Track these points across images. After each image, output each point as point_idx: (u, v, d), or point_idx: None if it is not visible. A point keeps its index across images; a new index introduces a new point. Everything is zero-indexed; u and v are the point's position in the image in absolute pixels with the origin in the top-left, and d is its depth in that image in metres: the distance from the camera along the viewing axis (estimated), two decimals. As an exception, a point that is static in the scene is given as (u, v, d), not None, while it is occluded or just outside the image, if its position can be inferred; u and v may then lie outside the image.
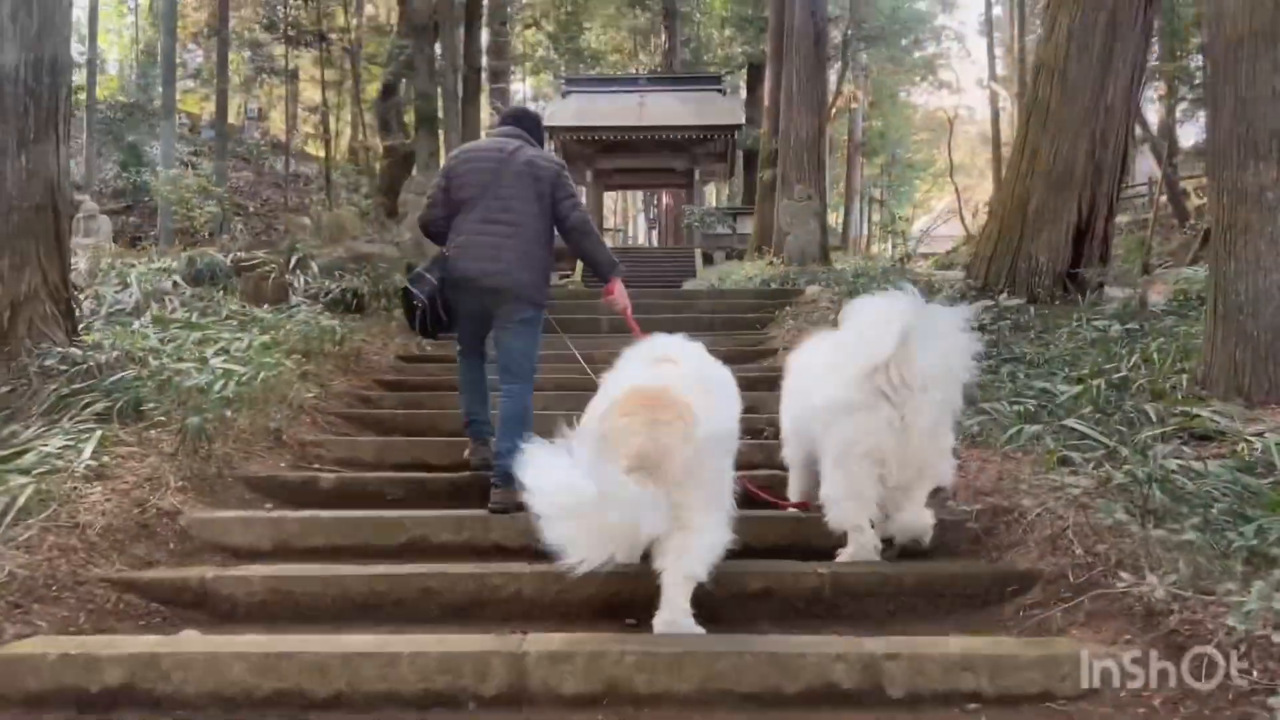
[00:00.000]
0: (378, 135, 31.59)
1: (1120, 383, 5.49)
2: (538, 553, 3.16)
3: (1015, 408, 5.32)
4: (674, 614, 3.14)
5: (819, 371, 3.97)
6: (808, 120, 17.23)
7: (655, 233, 48.31)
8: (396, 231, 14.59)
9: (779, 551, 4.02)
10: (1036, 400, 5.45)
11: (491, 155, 4.60)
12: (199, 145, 34.91)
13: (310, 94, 39.92)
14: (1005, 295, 8.28)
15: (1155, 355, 5.73)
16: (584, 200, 31.20)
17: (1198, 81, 21.31)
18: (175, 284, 9.43)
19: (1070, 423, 4.91)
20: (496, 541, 4.06)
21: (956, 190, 35.77)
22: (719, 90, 32.79)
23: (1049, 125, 8.63)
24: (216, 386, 5.41)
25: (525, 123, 4.86)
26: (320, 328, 7.48)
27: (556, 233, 4.65)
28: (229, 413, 5.09)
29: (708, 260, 27.39)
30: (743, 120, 30.75)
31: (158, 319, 7.80)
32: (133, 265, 9.94)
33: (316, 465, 5.26)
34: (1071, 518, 3.72)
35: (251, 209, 35.11)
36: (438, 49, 21.14)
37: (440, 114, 21.58)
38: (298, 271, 10.08)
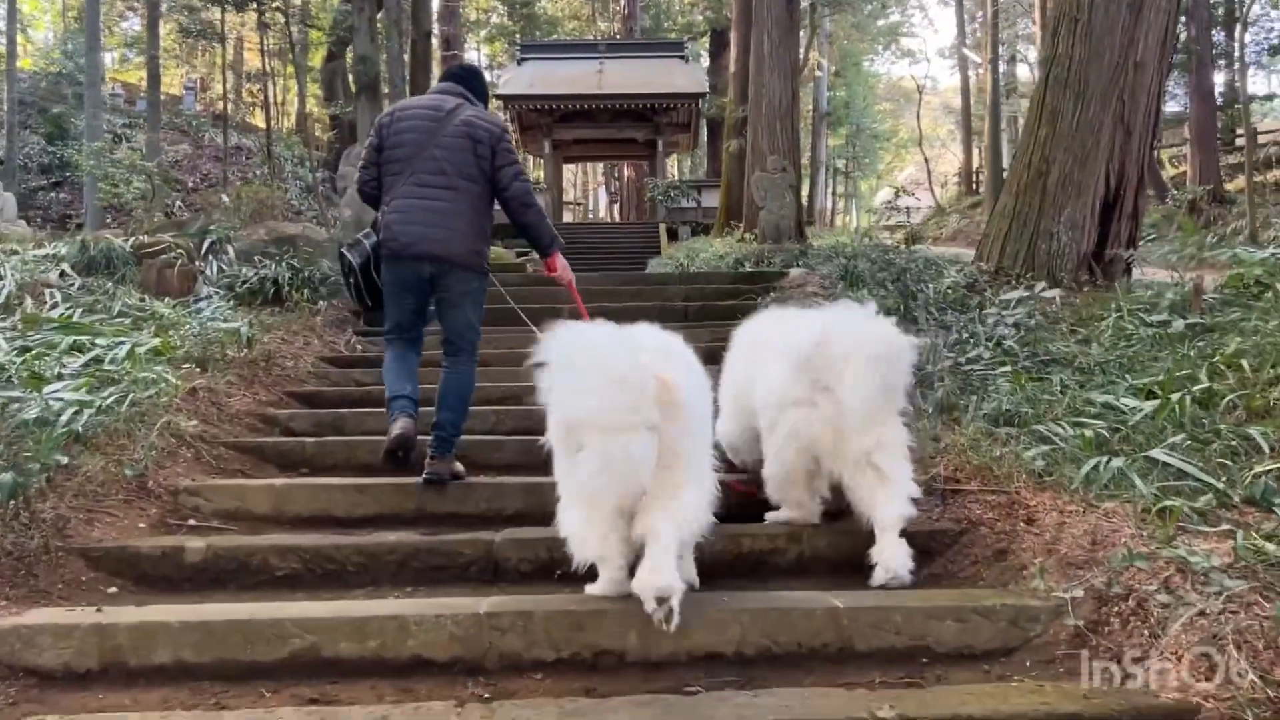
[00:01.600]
0: (323, 105, 30.07)
1: (1204, 397, 4.42)
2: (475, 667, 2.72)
3: (1080, 431, 4.23)
4: (663, 576, 2.83)
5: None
6: (780, 85, 16.03)
7: (617, 207, 46.90)
8: (338, 208, 13.30)
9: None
10: (1102, 419, 4.37)
11: (427, 113, 4.31)
12: (134, 117, 33.02)
13: (255, 63, 38.03)
14: (1026, 281, 7.20)
15: (1241, 361, 4.66)
16: (543, 173, 30.12)
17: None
18: (63, 274, 8.09)
19: (1158, 454, 3.84)
20: (417, 653, 2.88)
21: (926, 160, 34.88)
22: (681, 57, 31.44)
23: (1071, 84, 7.52)
24: (63, 418, 4.18)
25: (467, 81, 4.55)
26: (219, 330, 6.21)
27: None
28: (63, 458, 3.84)
29: (672, 236, 26.21)
30: (707, 88, 29.49)
31: (29, 319, 6.51)
32: (14, 252, 8.57)
33: (191, 522, 4.04)
34: (1229, 623, 2.63)
35: (190, 184, 33.34)
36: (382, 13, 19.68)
37: (387, 82, 20.15)
38: (210, 257, 8.78)
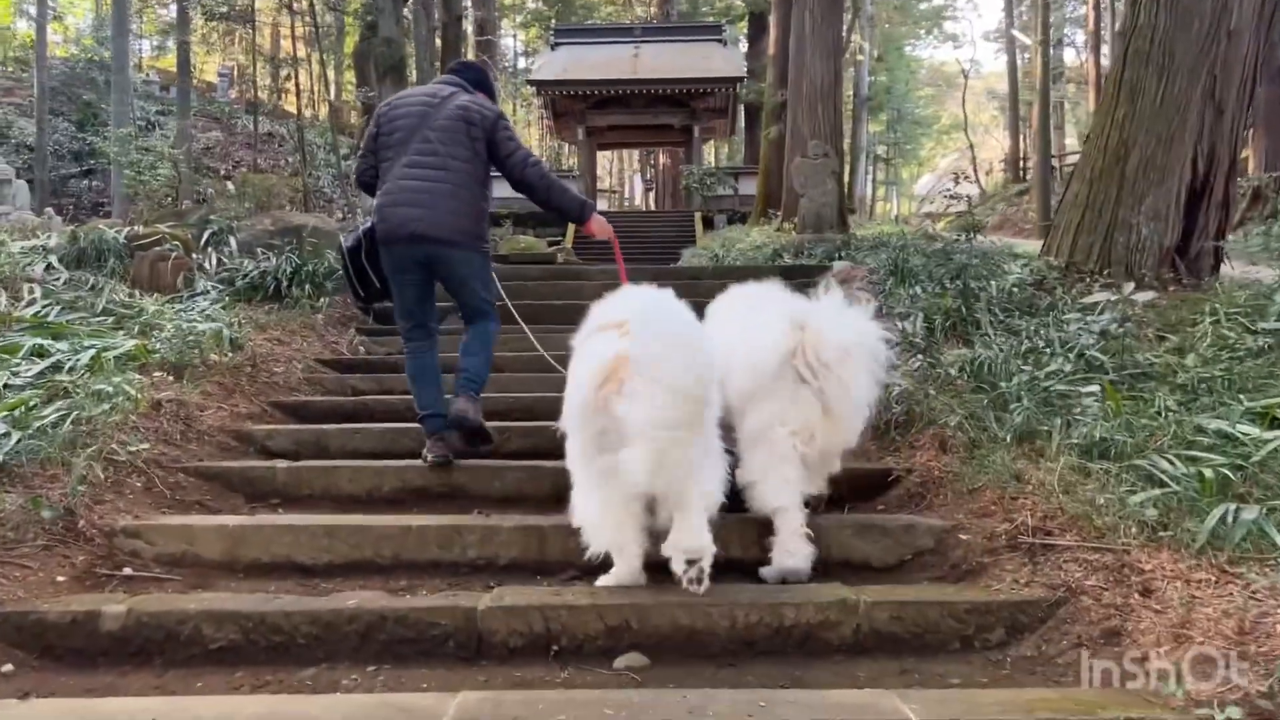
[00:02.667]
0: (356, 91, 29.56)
1: (1346, 426, 3.65)
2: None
3: (1195, 468, 3.46)
4: (696, 538, 2.99)
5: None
6: (822, 67, 15.18)
7: (652, 195, 46.10)
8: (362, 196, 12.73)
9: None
10: (1219, 453, 3.59)
11: (420, 101, 4.34)
12: (167, 104, 32.83)
13: (290, 49, 37.65)
14: (1102, 278, 6.41)
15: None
16: (576, 161, 29.42)
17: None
18: (50, 267, 7.53)
19: (1302, 504, 3.08)
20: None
21: (971, 147, 33.74)
22: (719, 41, 30.49)
23: (1154, 57, 6.68)
24: (-14, 443, 3.57)
25: (466, 74, 4.55)
26: (198, 332, 5.58)
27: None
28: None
29: (708, 224, 25.43)
30: (745, 73, 28.58)
31: (-1, 318, 5.94)
32: (3, 242, 8.03)
33: (127, 571, 3.40)
34: None
35: (223, 171, 33.04)
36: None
37: (416, 68, 19.53)
38: (209, 249, 8.18)
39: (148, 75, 37.16)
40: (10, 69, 34.23)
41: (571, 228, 24.62)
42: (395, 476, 4.23)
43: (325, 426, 4.97)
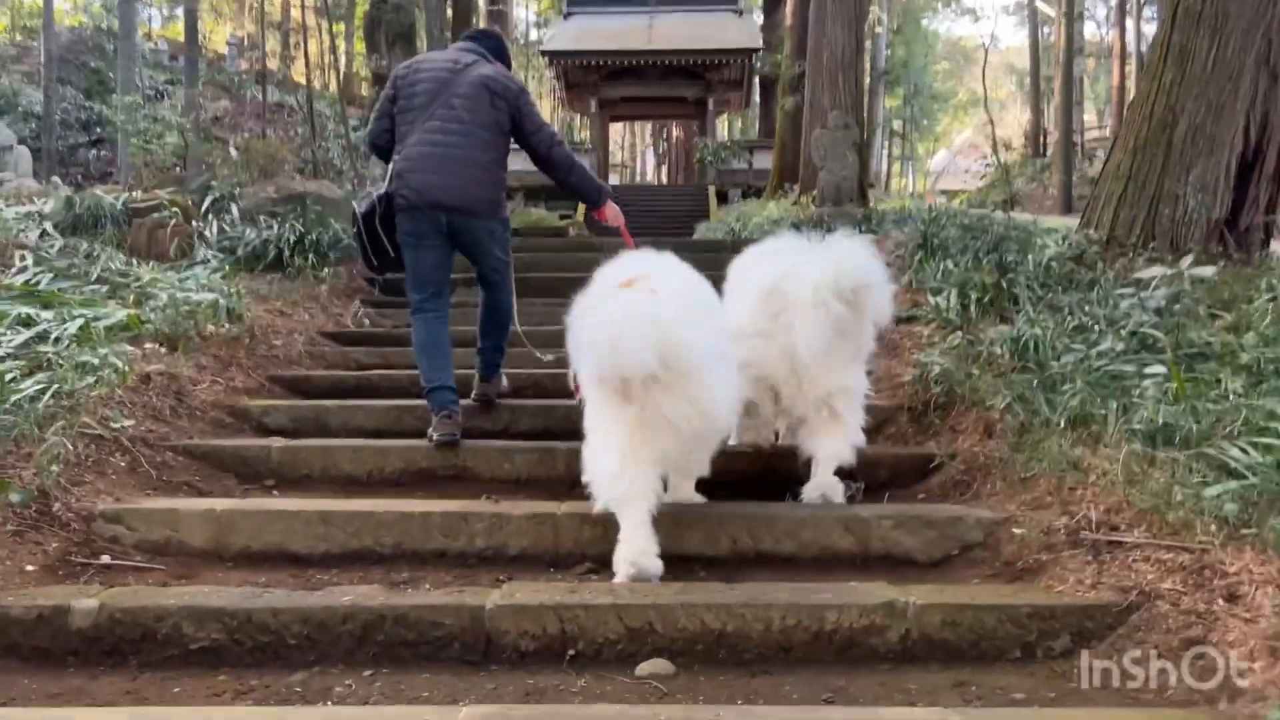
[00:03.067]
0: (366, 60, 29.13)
1: None
2: None
3: (1269, 456, 3.15)
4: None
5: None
6: (844, 35, 14.73)
7: (664, 168, 45.60)
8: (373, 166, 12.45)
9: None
10: (1296, 439, 3.28)
11: (443, 67, 4.22)
12: (176, 74, 32.44)
13: (300, 18, 37.19)
14: (1148, 252, 6.07)
15: None
16: (589, 133, 29.02)
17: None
18: (44, 233, 7.25)
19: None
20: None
21: (991, 122, 33.10)
22: (735, 11, 29.93)
23: (1205, 18, 6.29)
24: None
25: (485, 41, 4.44)
26: (193, 302, 5.29)
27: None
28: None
29: (722, 199, 25.03)
30: (761, 44, 28.05)
31: (-14, 285, 5.67)
32: (-3, 208, 7.76)
33: (105, 559, 3.13)
34: None
35: (231, 142, 32.73)
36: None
37: (426, 35, 19.12)
38: (210, 216, 7.89)
39: (156, 44, 36.82)
40: (20, 38, 33.89)
41: (583, 205, 24.32)
42: (399, 457, 3.95)
43: (325, 402, 4.69)
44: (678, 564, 3.13)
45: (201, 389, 4.58)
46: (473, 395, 4.45)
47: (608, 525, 3.18)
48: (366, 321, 6.75)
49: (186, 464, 3.87)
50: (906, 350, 5.20)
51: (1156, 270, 5.02)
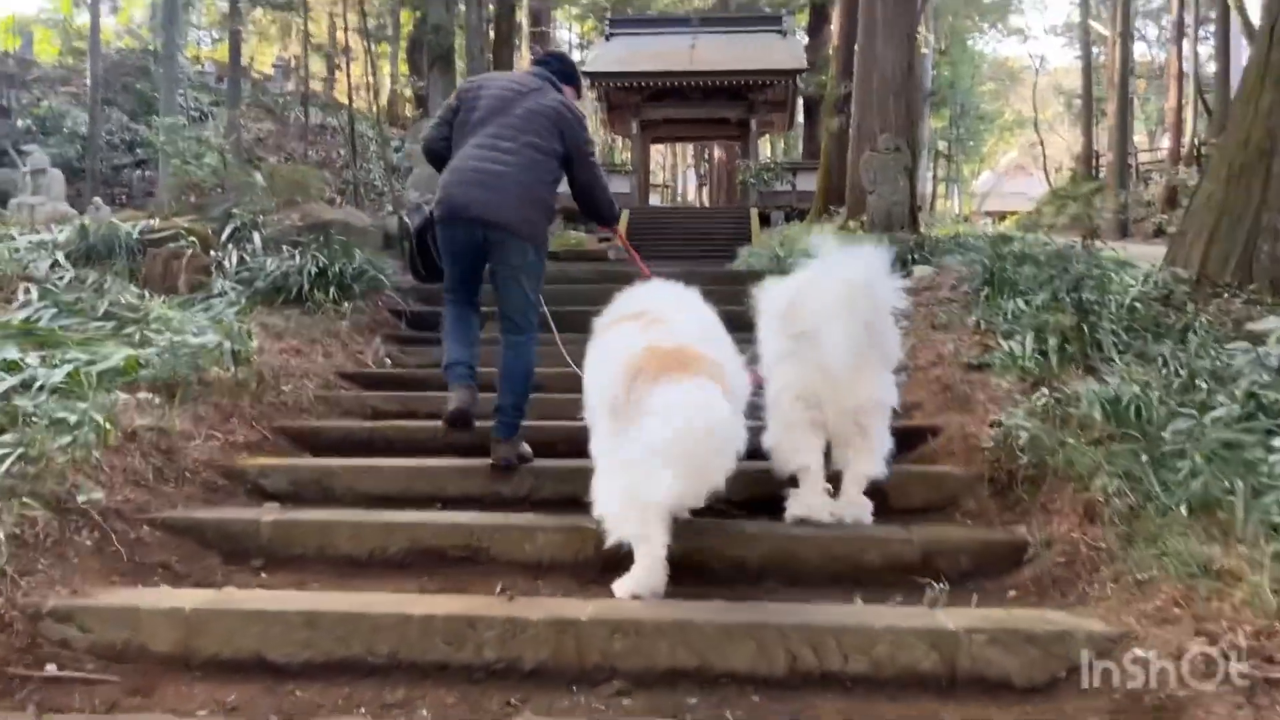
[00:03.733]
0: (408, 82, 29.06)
1: None
2: None
3: None
4: None
5: None
6: (894, 55, 14.17)
7: (706, 189, 45.15)
8: (409, 190, 12.12)
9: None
10: None
11: (508, 87, 4.23)
12: (221, 95, 32.59)
13: (351, 43, 37.33)
14: (1246, 293, 5.46)
15: None
16: (630, 155, 28.66)
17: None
18: (55, 264, 6.90)
19: None
20: None
21: (1042, 143, 32.34)
22: (778, 32, 29.51)
23: (1310, 35, 5.71)
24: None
25: (554, 65, 4.44)
26: (191, 346, 4.86)
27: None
28: None
29: (765, 221, 24.50)
30: (805, 64, 27.55)
31: (-18, 323, 5.29)
32: (10, 236, 7.44)
33: (46, 671, 2.66)
34: None
35: (274, 162, 32.80)
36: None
37: (466, 56, 18.89)
38: (231, 246, 7.51)
39: (204, 66, 37.16)
40: (71, 60, 34.29)
41: (623, 223, 23.94)
42: (404, 535, 3.45)
43: (330, 463, 4.21)
44: (727, 685, 2.62)
45: (195, 446, 4.13)
46: (491, 460, 4.05)
47: (640, 634, 2.67)
48: (388, 361, 6.31)
49: (164, 541, 3.40)
50: (980, 405, 4.63)
51: (1273, 323, 4.42)
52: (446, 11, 15.63)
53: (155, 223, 7.57)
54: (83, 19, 36.55)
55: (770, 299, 3.85)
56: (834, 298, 3.39)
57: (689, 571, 3.20)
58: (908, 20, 14.27)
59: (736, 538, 3.42)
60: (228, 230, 7.71)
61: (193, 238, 7.20)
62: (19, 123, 26.97)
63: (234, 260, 7.31)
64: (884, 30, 14.25)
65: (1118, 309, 5.71)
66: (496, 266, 4.08)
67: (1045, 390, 4.31)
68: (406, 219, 4.49)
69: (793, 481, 3.71)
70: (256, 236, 7.74)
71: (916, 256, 10.09)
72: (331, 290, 6.69)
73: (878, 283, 3.48)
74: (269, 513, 3.60)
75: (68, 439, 3.59)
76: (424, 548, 3.42)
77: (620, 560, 3.24)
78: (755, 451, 3.46)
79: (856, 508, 3.57)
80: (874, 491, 3.86)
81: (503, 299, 4.11)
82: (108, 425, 3.80)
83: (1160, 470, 3.40)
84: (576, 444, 4.16)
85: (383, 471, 4.07)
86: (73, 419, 3.74)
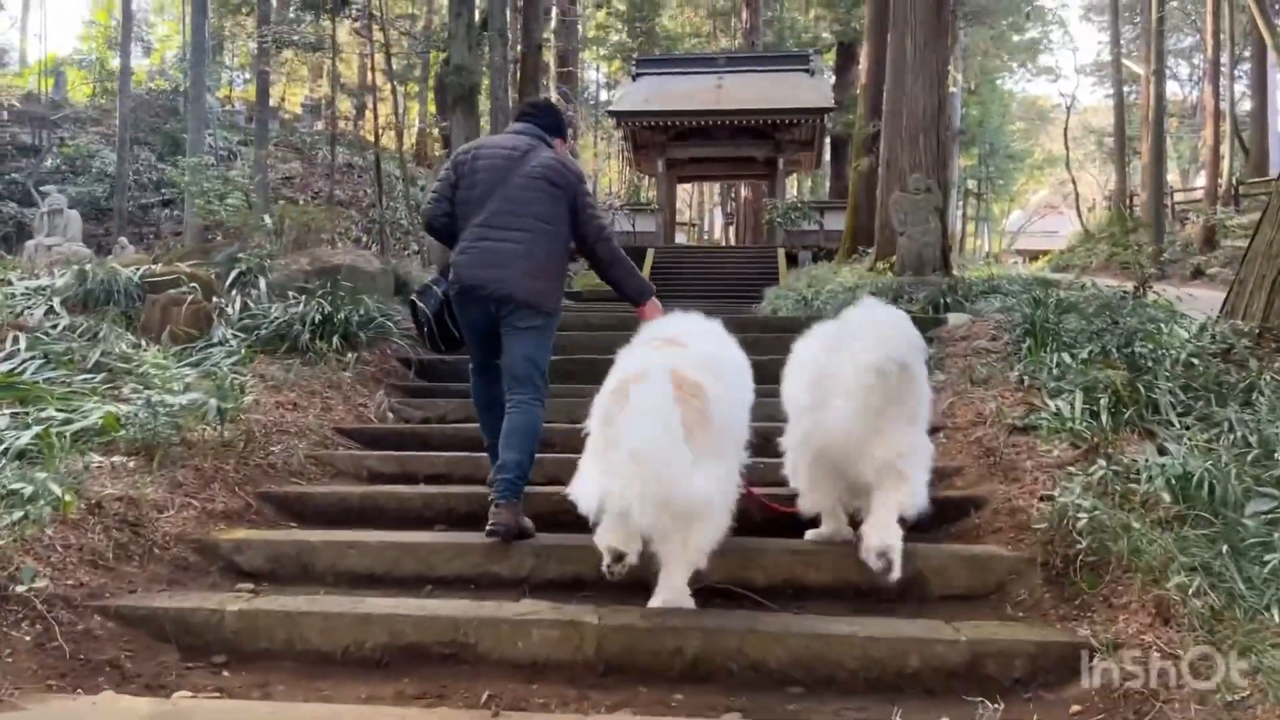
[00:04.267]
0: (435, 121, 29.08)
1: None
2: None
3: None
4: (673, 593, 3.18)
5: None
6: (925, 93, 13.84)
7: (732, 228, 44.92)
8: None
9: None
10: None
11: (503, 154, 4.21)
12: (250, 134, 32.82)
13: (379, 84, 37.56)
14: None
15: None
16: (656, 193, 28.46)
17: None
18: (50, 310, 6.65)
19: None
20: None
21: (1074, 182, 31.83)
22: (806, 71, 29.29)
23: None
24: None
25: (541, 118, 4.44)
26: (170, 406, 4.54)
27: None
28: None
29: (792, 261, 24.13)
30: (832, 102, 27.31)
31: (-38, 376, 5.02)
32: (8, 281, 7.21)
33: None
34: None
35: (301, 201, 32.88)
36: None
37: (491, 97, 18.78)
38: (235, 291, 7.24)
39: (234, 106, 37.52)
40: (103, 102, 34.70)
41: (649, 262, 23.66)
42: (383, 628, 3.06)
43: (312, 537, 3.85)
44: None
45: (167, 517, 3.79)
46: (487, 528, 3.73)
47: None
48: (391, 415, 5.98)
49: (116, 633, 3.04)
50: (1028, 474, 4.21)
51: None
52: (470, 52, 15.44)
53: (158, 267, 7.32)
54: (117, 61, 37.16)
55: (799, 348, 3.92)
56: (853, 379, 3.36)
57: (700, 676, 2.81)
58: (938, 58, 13.94)
59: (760, 637, 3.00)
60: (232, 275, 7.45)
61: (195, 283, 6.92)
62: (49, 162, 27.22)
63: (237, 306, 7.03)
64: (914, 68, 13.94)
65: (1173, 365, 5.28)
66: (503, 328, 4.10)
67: (1102, 461, 3.88)
68: (420, 304, 4.33)
69: (815, 522, 3.81)
70: (262, 281, 7.47)
71: (949, 301, 9.70)
72: (335, 339, 6.38)
73: (903, 357, 3.34)
74: (235, 600, 3.23)
75: (19, 515, 3.26)
76: (404, 644, 3.03)
77: (623, 663, 2.86)
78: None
79: (885, 532, 3.38)
80: (914, 577, 3.47)
81: (508, 353, 4.10)
82: (68, 497, 3.47)
83: (1242, 561, 2.97)
84: (584, 516, 3.80)
85: (369, 547, 3.70)
86: (28, 490, 3.42)
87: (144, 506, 3.75)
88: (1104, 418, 4.58)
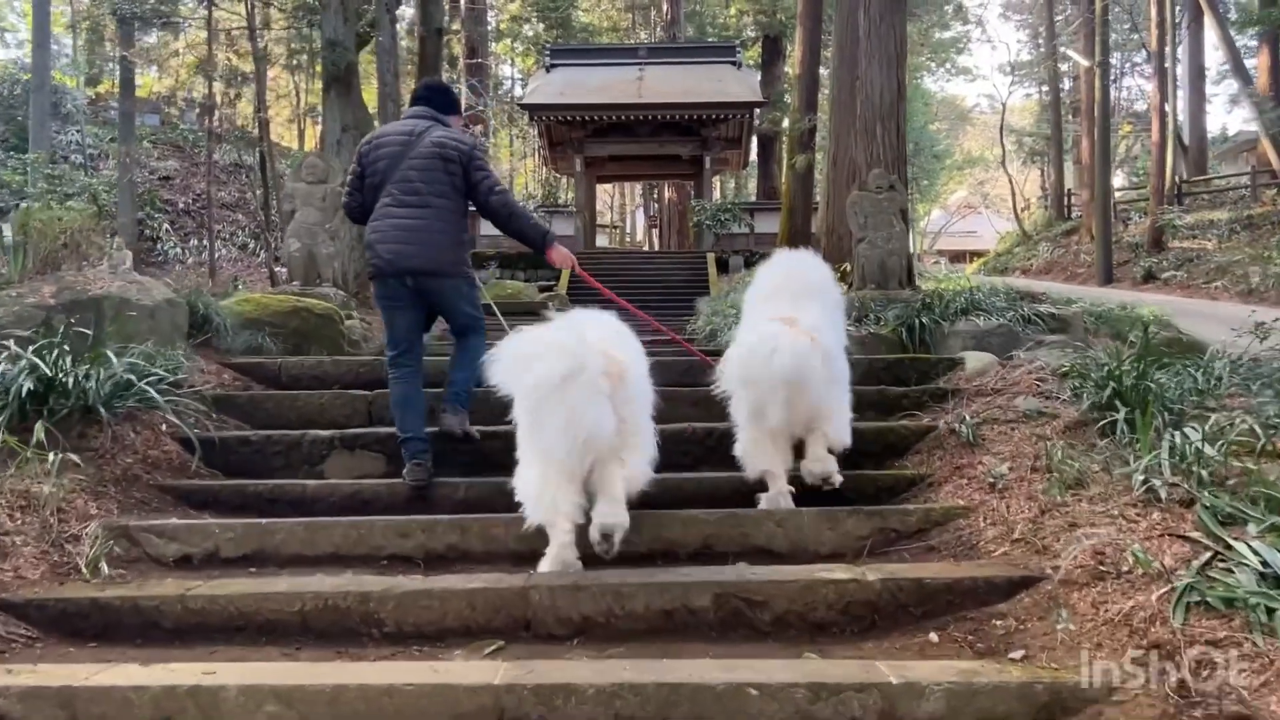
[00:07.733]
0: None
1: None
2: None
3: None
4: (615, 509, 3.36)
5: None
6: (882, 76, 11.77)
7: (656, 231, 42.85)
8: (288, 240, 9.44)
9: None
10: None
11: (400, 139, 4.52)
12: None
13: (276, 76, 34.45)
14: None
15: None
16: (574, 195, 26.18)
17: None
18: None
19: None
20: None
21: (1011, 181, 30.51)
22: (732, 63, 27.33)
23: None
24: None
25: (435, 100, 4.72)
26: None
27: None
28: None
29: (722, 267, 22.17)
30: (761, 97, 25.41)
31: None
32: None
33: None
34: None
35: (181, 205, 29.72)
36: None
37: (379, 81, 16.31)
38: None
39: (108, 100, 33.99)
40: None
41: (566, 272, 21.37)
42: None
43: None
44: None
45: None
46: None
47: None
48: (119, 572, 3.61)
49: None
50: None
51: None
52: (345, 25, 12.97)
53: None
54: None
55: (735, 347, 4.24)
56: (768, 378, 3.82)
57: None
58: (896, 35, 11.90)
59: None
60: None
61: None
62: None
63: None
64: (868, 47, 11.90)
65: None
66: (435, 302, 4.51)
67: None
68: None
69: (761, 485, 4.10)
70: (-17, 322, 5.00)
71: (925, 321, 7.69)
72: (40, 425, 3.98)
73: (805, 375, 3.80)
74: None
75: None
76: None
77: None
78: None
79: (821, 463, 4.03)
80: None
81: (450, 319, 4.62)
82: None
83: None
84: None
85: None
86: None
87: None
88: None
